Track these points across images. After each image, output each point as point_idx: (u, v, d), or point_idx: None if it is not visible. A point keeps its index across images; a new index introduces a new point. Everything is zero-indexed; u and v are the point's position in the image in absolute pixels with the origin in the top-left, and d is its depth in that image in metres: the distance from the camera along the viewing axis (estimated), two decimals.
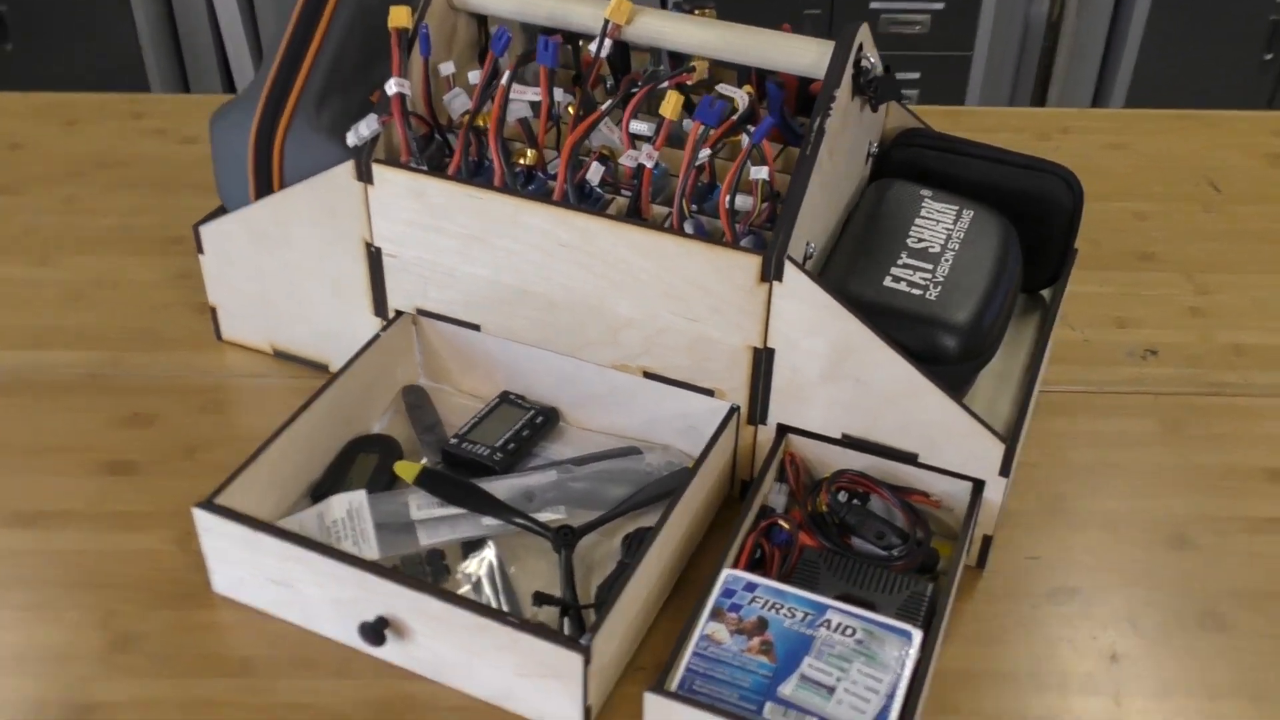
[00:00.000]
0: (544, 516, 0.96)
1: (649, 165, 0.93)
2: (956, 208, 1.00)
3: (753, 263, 0.88)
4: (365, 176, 0.98)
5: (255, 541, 0.87)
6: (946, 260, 0.94)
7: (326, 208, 1.01)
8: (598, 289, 0.94)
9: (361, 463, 1.00)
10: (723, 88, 0.95)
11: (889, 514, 0.93)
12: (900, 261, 0.94)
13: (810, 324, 0.89)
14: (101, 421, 1.06)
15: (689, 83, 0.98)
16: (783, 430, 0.96)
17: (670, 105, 0.91)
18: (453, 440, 1.01)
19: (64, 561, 0.94)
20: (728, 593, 0.85)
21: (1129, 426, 1.09)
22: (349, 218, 1.01)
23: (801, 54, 0.93)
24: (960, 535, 0.90)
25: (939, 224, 0.98)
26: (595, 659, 0.80)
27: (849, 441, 0.94)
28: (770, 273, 0.88)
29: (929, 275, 0.93)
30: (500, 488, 0.96)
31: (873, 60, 0.93)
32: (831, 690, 0.79)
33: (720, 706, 0.78)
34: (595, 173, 0.93)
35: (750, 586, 0.85)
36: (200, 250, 1.10)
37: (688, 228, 0.93)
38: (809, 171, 0.88)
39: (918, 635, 0.82)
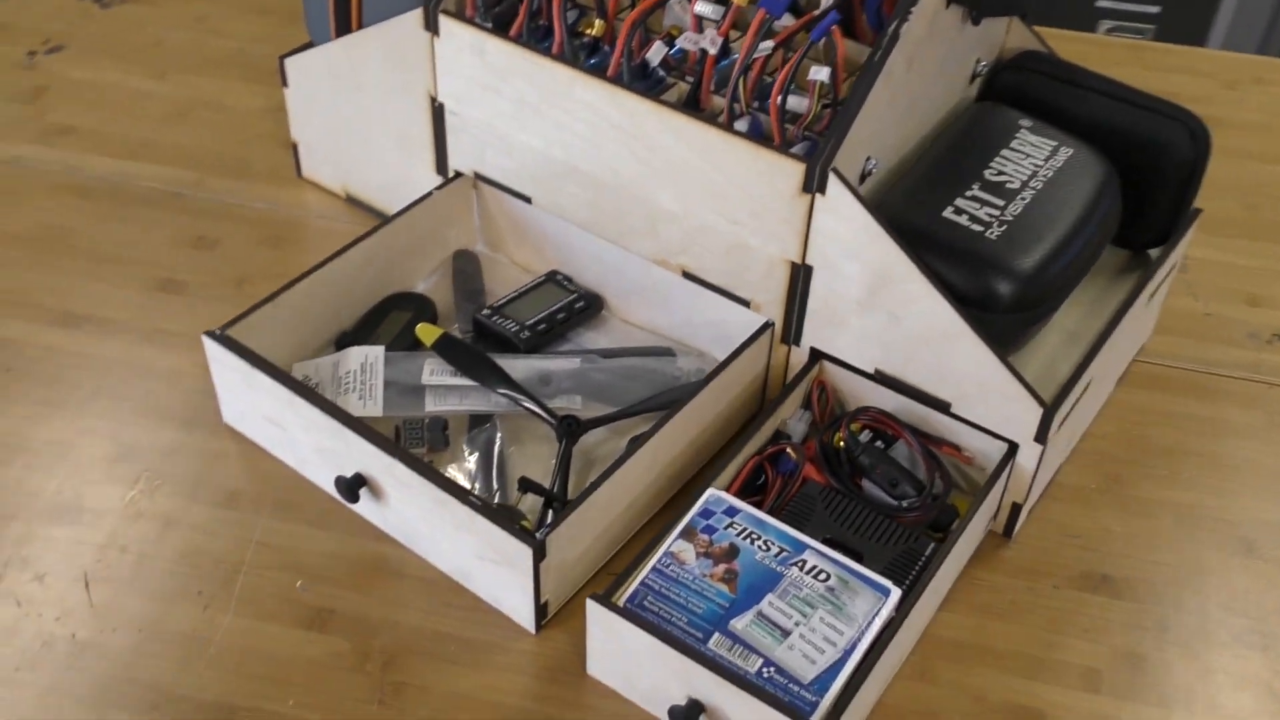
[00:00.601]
0: (557, 404, 0.92)
1: (711, 51, 0.86)
2: (1055, 143, 0.90)
3: (796, 170, 0.81)
4: (432, 27, 0.95)
5: (252, 378, 0.87)
6: (1023, 199, 0.85)
7: (396, 55, 0.98)
8: (642, 175, 0.89)
9: (393, 319, 0.99)
10: None
11: (912, 463, 0.86)
12: (969, 193, 0.85)
13: (850, 245, 0.82)
14: (168, 238, 1.08)
15: None
16: (816, 355, 0.90)
17: None
18: (485, 311, 0.98)
19: (94, 367, 0.96)
20: (706, 513, 0.80)
21: (1229, 415, 0.98)
22: (417, 69, 0.98)
23: None
24: (977, 496, 0.82)
25: (1027, 158, 0.88)
26: (552, 555, 0.78)
27: (882, 379, 0.87)
28: (813, 184, 0.81)
29: (996, 212, 0.84)
30: (518, 367, 0.94)
31: None
32: (786, 634, 0.74)
33: (663, 628, 0.74)
34: (656, 53, 0.87)
35: (731, 511, 0.80)
36: (284, 83, 1.09)
37: (741, 125, 0.86)
38: (873, 79, 0.80)
39: (895, 594, 0.76)
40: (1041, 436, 0.82)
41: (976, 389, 0.83)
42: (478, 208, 1.05)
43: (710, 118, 0.84)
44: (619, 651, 0.76)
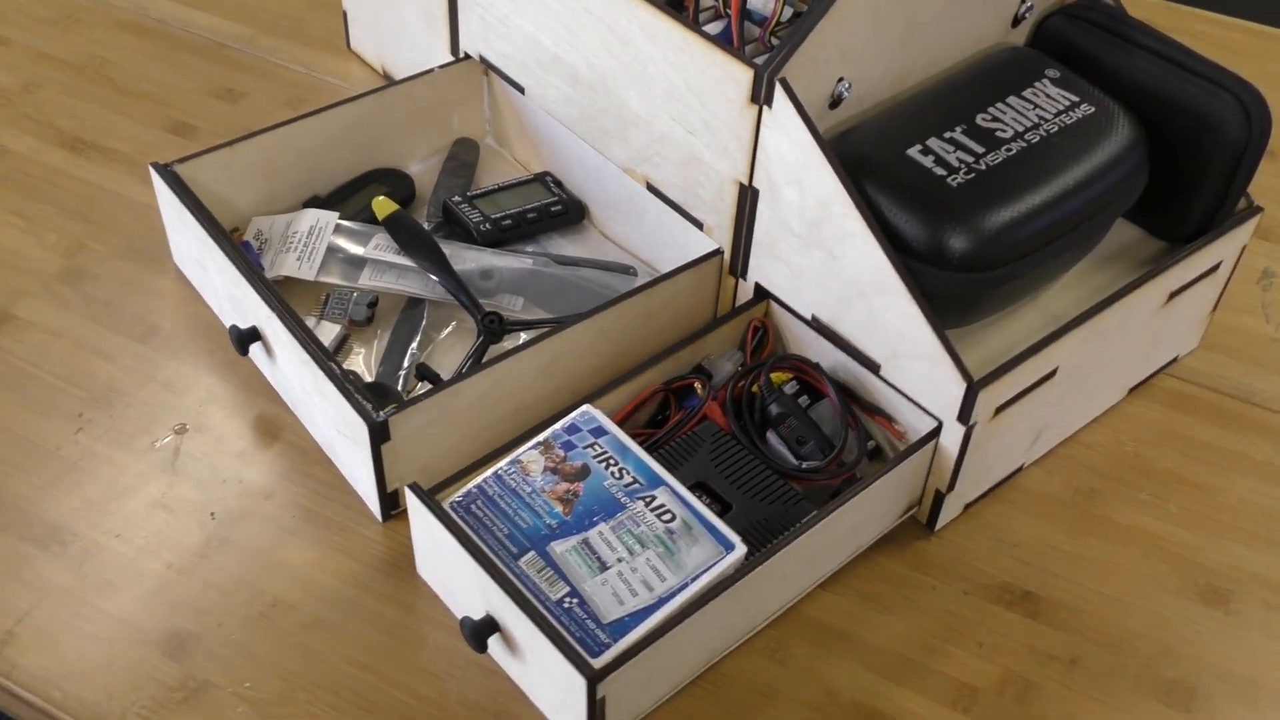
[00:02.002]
0: (496, 302, 0.87)
1: None
2: (1076, 99, 0.78)
3: (744, 76, 0.73)
4: None
5: (183, 216, 0.85)
6: (1009, 150, 0.74)
7: None
8: (613, 71, 0.83)
9: (369, 192, 0.95)
10: None
11: (836, 427, 0.77)
12: (949, 134, 0.75)
13: (793, 168, 0.74)
14: (198, 85, 1.08)
15: None
16: (761, 293, 0.82)
17: None
18: (456, 198, 0.94)
19: (79, 190, 0.97)
20: (572, 428, 0.74)
21: (1252, 450, 0.84)
22: None
23: None
24: (881, 470, 0.72)
25: (1035, 109, 0.77)
26: (401, 440, 0.73)
27: (818, 327, 0.78)
28: (760, 94, 0.73)
29: (970, 159, 0.74)
30: (467, 257, 0.89)
31: None
32: (605, 567, 0.67)
33: (475, 535, 0.68)
34: None
35: (599, 431, 0.73)
36: None
37: (715, 28, 0.78)
38: None
39: (739, 550, 0.68)
40: (965, 416, 0.71)
41: (906, 349, 0.73)
42: (488, 97, 1.00)
43: (679, 14, 0.77)
44: (435, 552, 0.71)
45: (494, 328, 0.84)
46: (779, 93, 0.72)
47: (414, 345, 0.85)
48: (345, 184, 0.96)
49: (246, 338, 0.81)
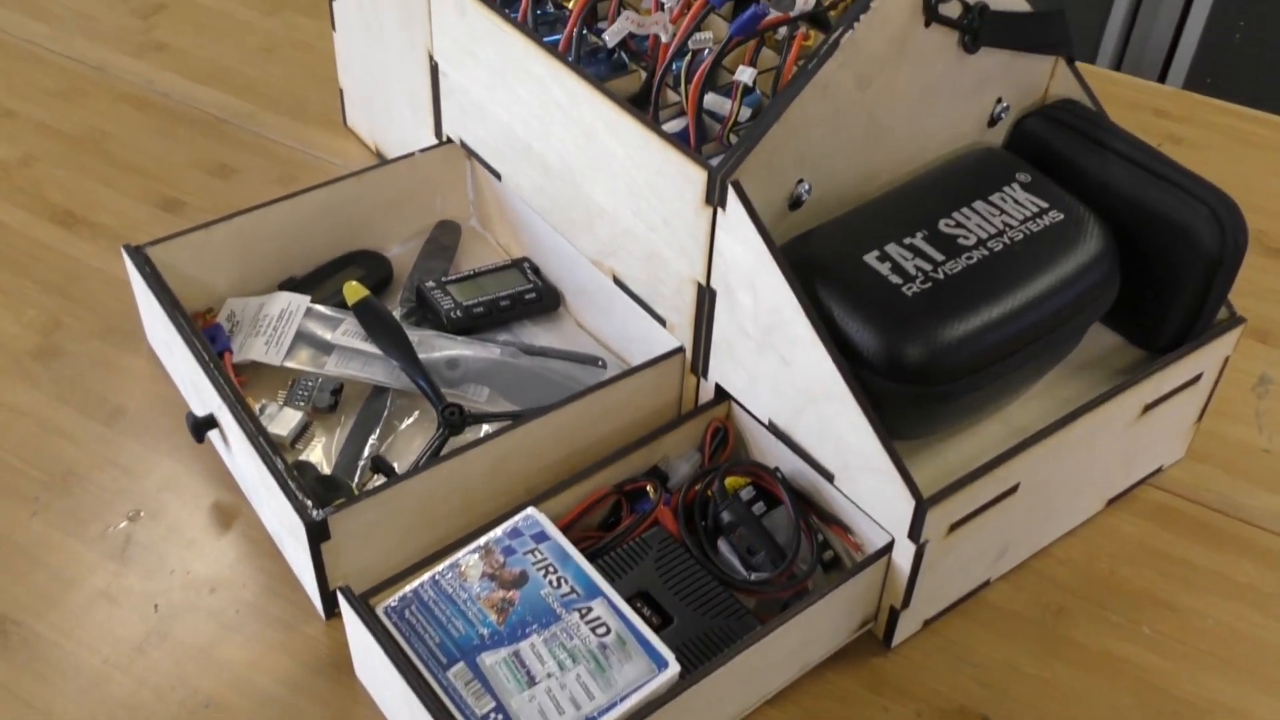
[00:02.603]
0: (461, 392, 0.86)
1: (664, 38, 0.78)
2: (1045, 204, 0.76)
3: (699, 177, 0.72)
4: None
5: (148, 298, 0.86)
6: (969, 258, 0.72)
7: (405, 8, 0.95)
8: (580, 164, 0.82)
9: (346, 275, 0.95)
10: None
11: (793, 536, 0.75)
12: (909, 240, 0.73)
13: (746, 272, 0.72)
14: (191, 161, 1.09)
15: None
16: (724, 394, 0.80)
17: None
18: (430, 283, 0.93)
19: (59, 267, 0.98)
20: (514, 532, 0.72)
21: (1237, 573, 0.80)
22: (420, 24, 0.94)
23: None
24: (828, 585, 0.70)
25: (1001, 215, 0.75)
26: (343, 539, 0.72)
27: (775, 432, 0.76)
28: (714, 196, 0.72)
29: (928, 267, 0.72)
30: (435, 345, 0.88)
31: None
32: (534, 682, 0.66)
33: (404, 644, 0.67)
34: (615, 33, 0.80)
35: (541, 536, 0.72)
36: (334, 27, 1.08)
37: (676, 125, 0.77)
38: (797, 90, 0.70)
39: (672, 669, 0.66)
40: (915, 534, 0.69)
41: (857, 462, 0.71)
42: (471, 180, 1.00)
43: (640, 111, 0.76)
44: (368, 658, 0.70)
45: (454, 420, 0.83)
46: (731, 195, 0.70)
47: (374, 436, 0.84)
48: (323, 265, 0.96)
49: (203, 425, 0.81)
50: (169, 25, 1.26)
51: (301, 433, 0.85)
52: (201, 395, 0.82)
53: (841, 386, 0.68)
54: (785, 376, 0.73)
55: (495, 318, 0.92)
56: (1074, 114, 0.81)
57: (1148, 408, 0.78)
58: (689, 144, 0.75)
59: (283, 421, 0.84)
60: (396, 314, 0.93)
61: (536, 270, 0.95)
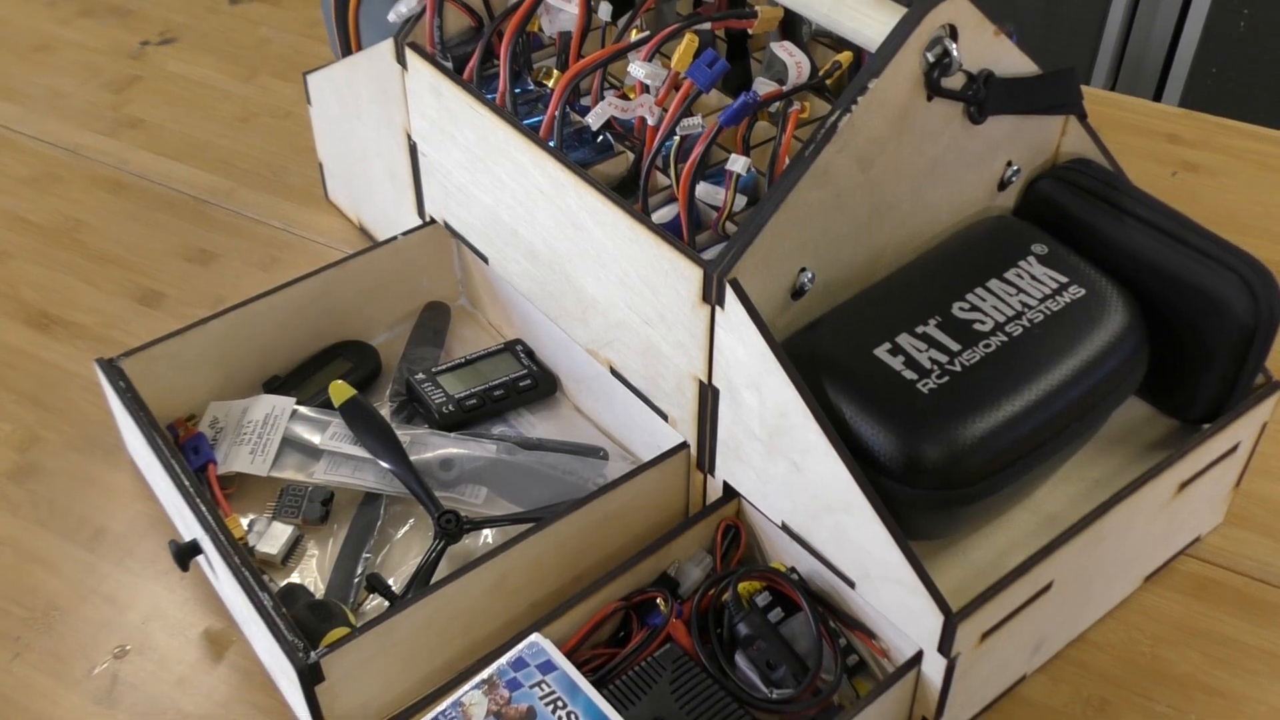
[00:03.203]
0: (457, 494, 0.82)
1: (650, 121, 0.74)
2: (1064, 279, 0.71)
3: (694, 275, 0.68)
4: (401, 60, 0.86)
5: (127, 420, 0.82)
6: (987, 345, 0.68)
7: (380, 86, 0.91)
8: (570, 253, 0.78)
9: (332, 369, 0.91)
10: (781, 46, 0.73)
11: (815, 645, 0.71)
12: (921, 329, 0.69)
13: (749, 373, 0.68)
14: (171, 247, 1.05)
15: (750, 31, 0.76)
16: (732, 492, 0.76)
17: (680, 49, 0.71)
18: (420, 375, 0.89)
19: (35, 374, 0.94)
20: (519, 663, 0.68)
21: (1278, 645, 0.76)
22: (396, 103, 0.90)
23: (867, 20, 0.69)
24: (856, 705, 0.66)
25: (1019, 294, 0.70)
26: (339, 680, 0.68)
27: (791, 534, 0.72)
28: (711, 294, 0.67)
29: (945, 358, 0.67)
30: (426, 443, 0.84)
31: (954, 51, 0.66)
32: None
33: None
34: (599, 115, 0.75)
35: (548, 666, 0.68)
36: (309, 100, 1.04)
37: (667, 212, 0.73)
38: (795, 179, 0.65)
39: None
40: (945, 648, 0.65)
41: (880, 572, 0.66)
42: (458, 260, 0.96)
43: (627, 202, 0.72)
44: None
45: (451, 528, 0.79)
46: (730, 294, 0.66)
47: (368, 549, 0.80)
48: (307, 361, 0.92)
49: (186, 553, 0.77)
50: (142, 98, 1.22)
51: (293, 548, 0.81)
52: (184, 517, 0.78)
53: (859, 498, 0.64)
54: (797, 482, 0.68)
55: (489, 409, 0.88)
56: (1089, 175, 0.76)
57: (1184, 485, 0.74)
58: (681, 234, 0.71)
59: (273, 538, 0.80)
60: (386, 410, 0.89)
61: (530, 353, 0.91)
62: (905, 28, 0.65)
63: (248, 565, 0.71)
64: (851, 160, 0.67)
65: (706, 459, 0.76)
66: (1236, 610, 0.78)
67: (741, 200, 0.70)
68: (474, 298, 0.97)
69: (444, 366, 0.90)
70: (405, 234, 0.93)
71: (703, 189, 0.70)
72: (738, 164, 0.68)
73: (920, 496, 0.65)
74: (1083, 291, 0.71)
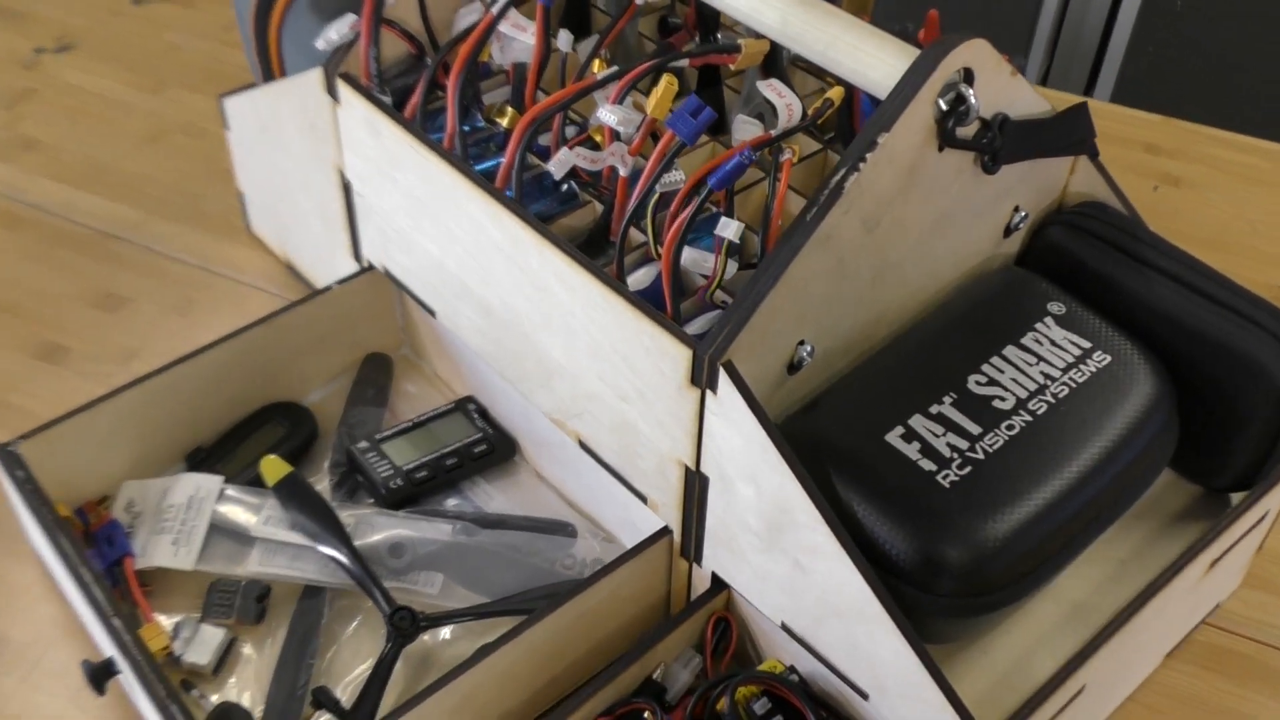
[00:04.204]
0: (408, 584, 0.74)
1: (622, 171, 0.65)
2: (1088, 344, 0.64)
3: (680, 355, 0.60)
4: (332, 92, 0.77)
5: (27, 516, 0.72)
6: (1010, 427, 0.61)
7: (307, 118, 0.81)
8: (530, 314, 0.69)
9: (263, 436, 0.82)
10: (769, 85, 0.64)
11: None
12: (936, 409, 0.61)
13: (745, 464, 0.60)
14: (76, 292, 0.94)
15: (732, 66, 0.68)
16: (721, 583, 0.68)
17: (658, 94, 0.62)
18: (363, 444, 0.80)
19: None
20: None
21: None
22: (324, 138, 0.80)
23: (872, 61, 0.61)
24: None
25: (1040, 362, 0.63)
26: None
27: (792, 634, 0.65)
28: (701, 377, 0.59)
29: (965, 444, 0.60)
30: (373, 525, 0.75)
31: (971, 98, 0.59)
32: None
33: None
34: (560, 164, 0.66)
35: None
36: (226, 126, 0.94)
37: (644, 274, 0.65)
38: (796, 246, 0.58)
39: None
40: None
41: (897, 686, 0.59)
42: (400, 306, 0.87)
43: (598, 266, 0.63)
44: None
45: (405, 626, 0.70)
46: (723, 378, 0.58)
47: (311, 653, 0.71)
48: (234, 428, 0.82)
49: (101, 674, 0.67)
50: (38, 114, 1.11)
51: (226, 654, 0.72)
52: (96, 636, 0.68)
53: (875, 607, 0.57)
54: (801, 583, 0.61)
55: (441, 479, 0.79)
56: (1103, 221, 0.69)
57: (1215, 562, 0.68)
58: (663, 303, 0.63)
59: (202, 645, 0.71)
60: (326, 483, 0.80)
61: (484, 413, 0.82)
62: (919, 74, 0.57)
63: (171, 695, 0.62)
64: (856, 222, 0.59)
65: (692, 548, 0.68)
66: (1261, 684, 0.72)
67: (733, 267, 0.62)
68: (418, 348, 0.88)
69: (388, 432, 0.81)
70: (341, 282, 0.83)
71: (689, 256, 0.62)
72: (729, 229, 0.60)
73: (942, 603, 0.58)
74: (1108, 358, 0.64)
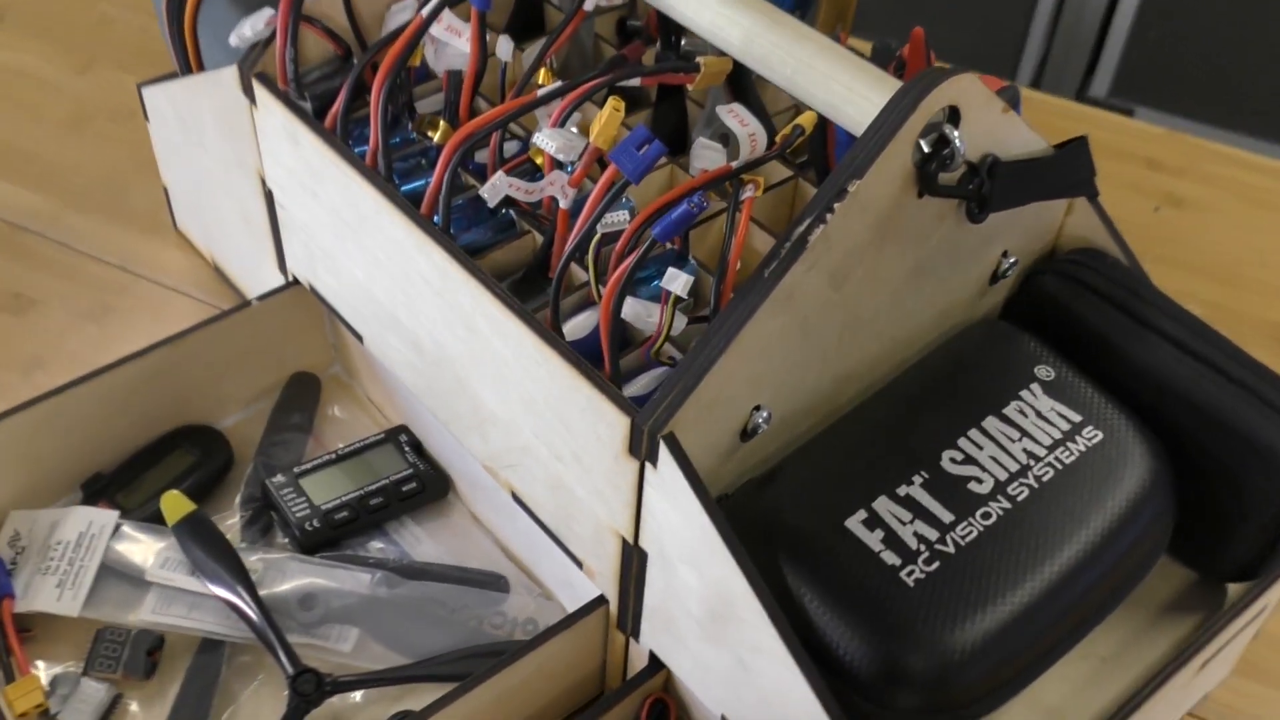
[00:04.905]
0: (319, 640, 0.67)
1: (562, 203, 0.58)
2: (1078, 419, 0.57)
3: (618, 422, 0.52)
4: (248, 93, 0.69)
5: None
6: (987, 516, 0.54)
7: (225, 118, 0.73)
8: (462, 356, 0.62)
9: (171, 463, 0.75)
10: (730, 112, 0.57)
11: None
12: (904, 490, 0.54)
13: (687, 546, 0.53)
14: None
15: (690, 87, 0.60)
16: (660, 663, 0.61)
17: (601, 122, 0.55)
18: (279, 477, 0.73)
19: None
20: None
21: None
22: (244, 141, 0.73)
23: (844, 94, 0.53)
24: None
25: (1022, 438, 0.56)
26: None
27: None
28: (640, 449, 0.52)
29: (935, 536, 0.53)
30: (284, 571, 0.68)
31: (956, 140, 0.51)
32: None
33: None
34: (494, 189, 0.59)
35: None
36: (145, 116, 0.86)
37: (583, 320, 0.58)
38: (752, 305, 0.50)
39: None
40: None
41: None
42: (330, 323, 0.79)
43: (529, 313, 0.56)
44: None
45: (308, 691, 0.63)
46: (664, 453, 0.51)
47: (204, 715, 0.65)
48: (139, 453, 0.75)
49: None
50: None
51: (109, 712, 0.65)
52: None
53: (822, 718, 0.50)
54: (744, 679, 0.54)
55: (364, 520, 0.72)
56: (1101, 273, 0.62)
57: (1207, 662, 0.61)
58: (601, 356, 0.55)
59: (82, 703, 0.64)
60: (237, 520, 0.73)
61: (418, 447, 0.75)
62: (897, 114, 0.50)
63: None
64: (822, 278, 0.52)
65: (629, 622, 0.61)
66: None
67: (681, 321, 0.55)
68: (350, 367, 0.81)
69: (309, 464, 0.73)
70: (262, 298, 0.76)
71: (632, 308, 0.54)
72: (676, 282, 0.52)
73: (902, 718, 0.51)
74: (1099, 435, 0.57)
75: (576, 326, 0.57)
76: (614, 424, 0.53)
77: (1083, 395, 0.58)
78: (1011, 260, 0.62)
